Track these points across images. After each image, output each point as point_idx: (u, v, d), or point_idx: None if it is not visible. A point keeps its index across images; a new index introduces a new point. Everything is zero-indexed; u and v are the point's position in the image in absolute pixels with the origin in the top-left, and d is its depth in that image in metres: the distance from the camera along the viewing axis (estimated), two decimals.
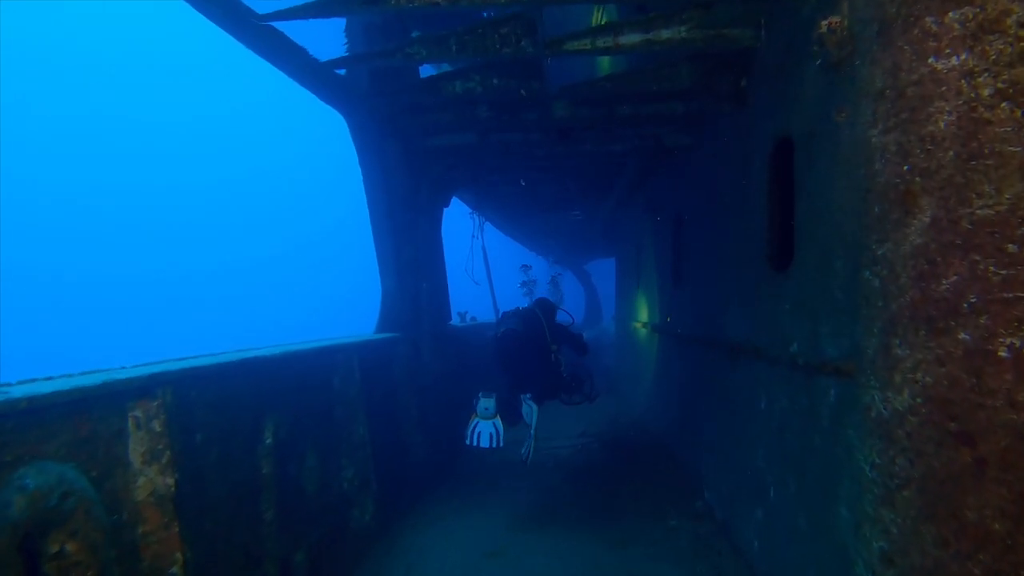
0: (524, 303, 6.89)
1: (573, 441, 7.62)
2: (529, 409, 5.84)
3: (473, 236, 9.01)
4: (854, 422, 2.69)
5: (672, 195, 6.74)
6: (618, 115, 5.34)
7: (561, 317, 6.98)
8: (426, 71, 5.78)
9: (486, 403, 5.55)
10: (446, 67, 5.14)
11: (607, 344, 17.67)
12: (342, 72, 4.93)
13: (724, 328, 4.64)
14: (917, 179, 2.46)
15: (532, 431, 5.85)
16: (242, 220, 62.18)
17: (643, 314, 9.10)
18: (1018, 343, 2.24)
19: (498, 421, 5.56)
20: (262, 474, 3.37)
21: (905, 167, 2.49)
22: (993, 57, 2.30)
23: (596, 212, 11.25)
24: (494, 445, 5.48)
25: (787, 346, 3.41)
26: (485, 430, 5.54)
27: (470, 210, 9.33)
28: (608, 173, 8.06)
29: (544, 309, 6.64)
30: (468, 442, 5.49)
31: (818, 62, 3.00)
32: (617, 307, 13.60)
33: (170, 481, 2.56)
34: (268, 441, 3.40)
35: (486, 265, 8.92)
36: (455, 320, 8.40)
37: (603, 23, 3.97)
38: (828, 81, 2.99)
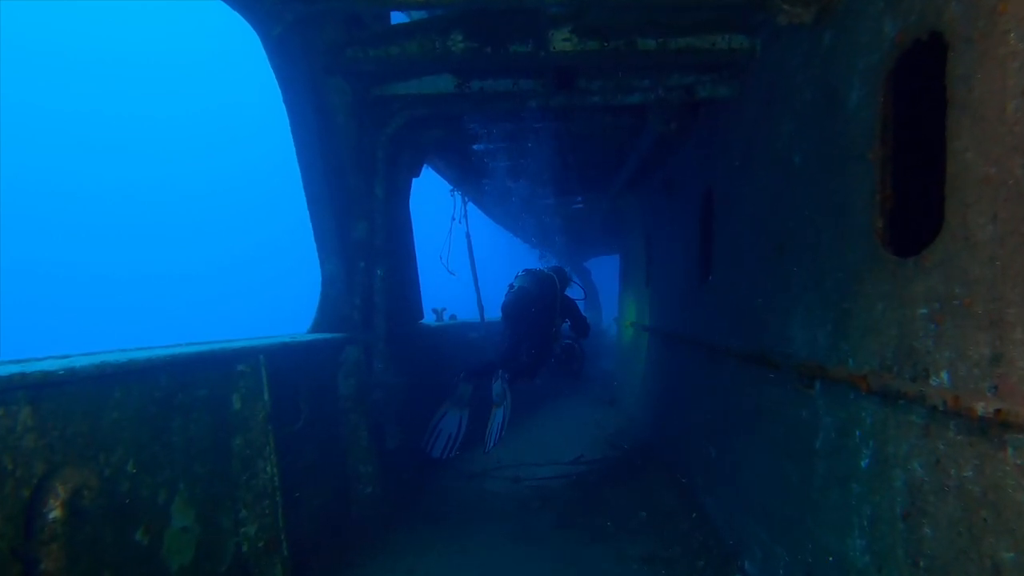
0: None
1: (566, 469, 6.26)
2: (502, 389, 5.84)
3: (454, 219, 7.59)
4: None
5: (700, 168, 5.37)
6: (639, 51, 3.99)
7: (574, 292, 7.32)
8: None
9: (464, 388, 5.61)
10: None
11: (606, 346, 16.27)
12: None
13: (785, 341, 3.28)
14: None
15: (501, 413, 5.82)
16: (235, 216, 60.86)
17: (654, 317, 7.72)
18: None
19: (465, 415, 5.57)
20: (40, 571, 2.01)
21: None
22: None
23: (599, 198, 9.86)
24: (446, 455, 5.49)
25: (927, 376, 2.06)
26: (446, 428, 5.51)
27: (451, 187, 7.92)
28: (617, 144, 6.68)
29: (560, 277, 6.88)
30: (424, 447, 5.45)
31: None
32: (621, 308, 12.16)
33: None
34: (52, 515, 2.03)
35: (470, 254, 7.53)
36: (429, 318, 7.03)
37: None
38: None
